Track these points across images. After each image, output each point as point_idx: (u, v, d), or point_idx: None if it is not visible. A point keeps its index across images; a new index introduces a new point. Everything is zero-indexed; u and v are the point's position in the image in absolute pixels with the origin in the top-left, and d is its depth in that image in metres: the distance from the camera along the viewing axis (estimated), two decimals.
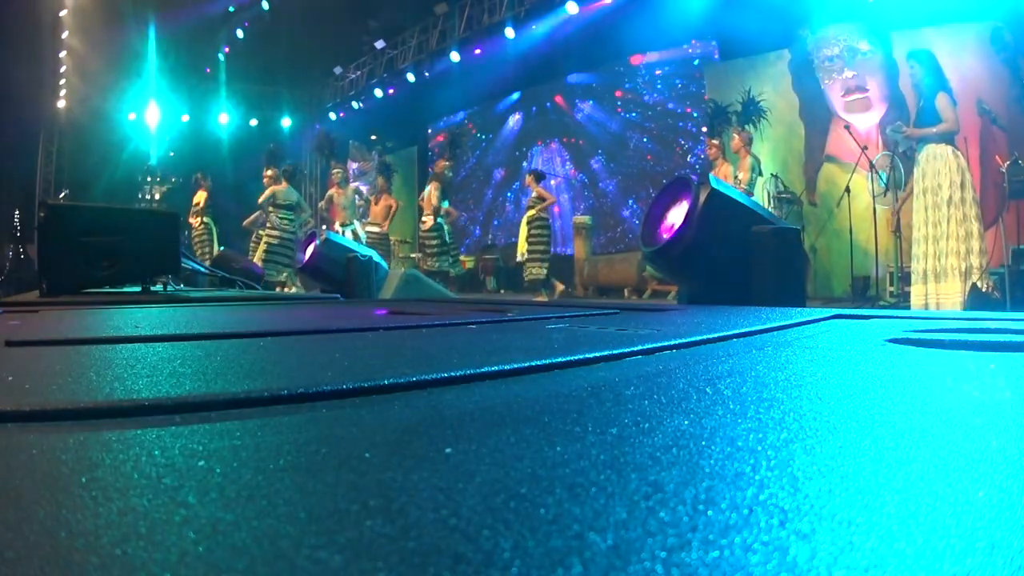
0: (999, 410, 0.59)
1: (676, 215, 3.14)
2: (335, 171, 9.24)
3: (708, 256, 2.97)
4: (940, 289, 4.23)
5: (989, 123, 6.50)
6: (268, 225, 8.52)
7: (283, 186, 8.49)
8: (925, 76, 4.48)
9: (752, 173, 6.36)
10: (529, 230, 8.09)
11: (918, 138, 4.41)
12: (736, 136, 6.56)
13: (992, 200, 6.18)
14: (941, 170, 4.25)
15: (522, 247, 8.24)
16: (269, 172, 9.29)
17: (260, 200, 8.61)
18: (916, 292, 4.42)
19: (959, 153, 4.31)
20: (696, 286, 3.15)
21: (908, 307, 4.76)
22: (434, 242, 8.26)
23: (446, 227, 8.32)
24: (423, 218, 8.35)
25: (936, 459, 0.43)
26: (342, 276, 4.92)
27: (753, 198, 6.43)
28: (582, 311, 2.07)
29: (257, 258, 8.43)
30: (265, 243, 8.44)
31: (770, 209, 6.91)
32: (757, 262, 2.86)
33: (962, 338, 1.10)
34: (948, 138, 4.31)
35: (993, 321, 1.56)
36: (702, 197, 2.94)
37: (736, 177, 6.28)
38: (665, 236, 3.12)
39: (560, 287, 8.37)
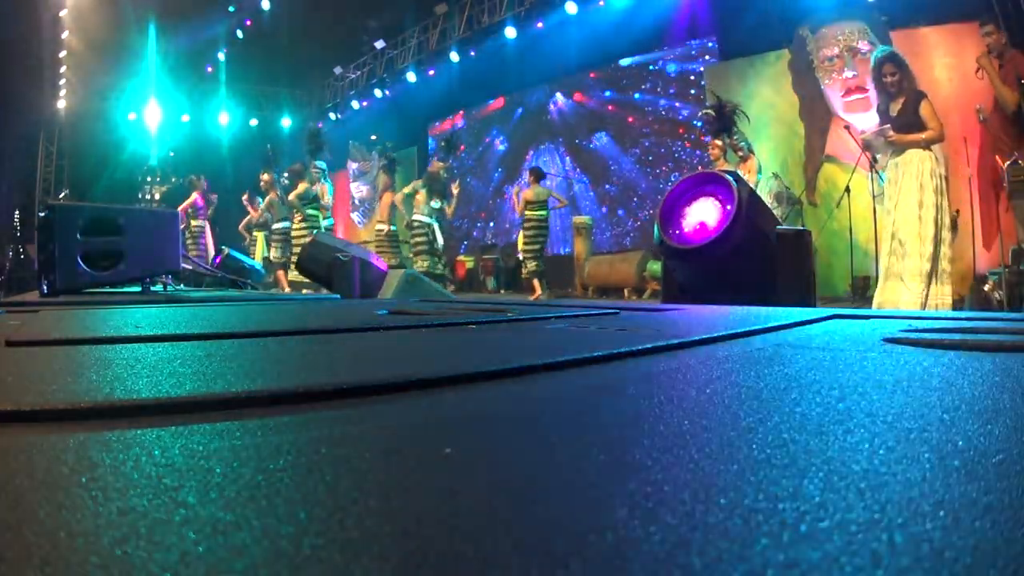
0: (998, 410, 0.59)
1: (705, 213, 3.02)
2: (314, 169, 8.92)
3: (747, 256, 2.90)
4: (908, 292, 4.04)
5: (982, 123, 6.45)
6: (295, 224, 8.54)
7: (305, 184, 8.48)
8: (905, 80, 4.28)
9: (757, 175, 6.37)
10: (527, 230, 8.21)
11: (906, 144, 4.20)
12: (737, 153, 6.58)
13: (991, 200, 6.18)
14: (923, 172, 4.10)
15: (529, 243, 8.32)
16: (266, 176, 9.28)
17: (290, 198, 8.53)
18: (892, 294, 4.17)
19: (938, 157, 4.17)
20: (722, 287, 3.05)
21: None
22: (420, 239, 8.23)
23: (436, 227, 8.31)
24: (415, 217, 8.29)
25: (935, 459, 0.43)
26: (326, 275, 4.93)
27: None
28: (582, 311, 2.07)
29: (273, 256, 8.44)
30: (295, 243, 8.42)
31: (773, 208, 6.93)
32: (784, 262, 2.85)
33: (959, 338, 1.10)
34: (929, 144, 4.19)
35: (991, 321, 1.56)
36: (744, 196, 2.86)
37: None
38: (690, 234, 3.01)
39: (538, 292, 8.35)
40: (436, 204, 8.27)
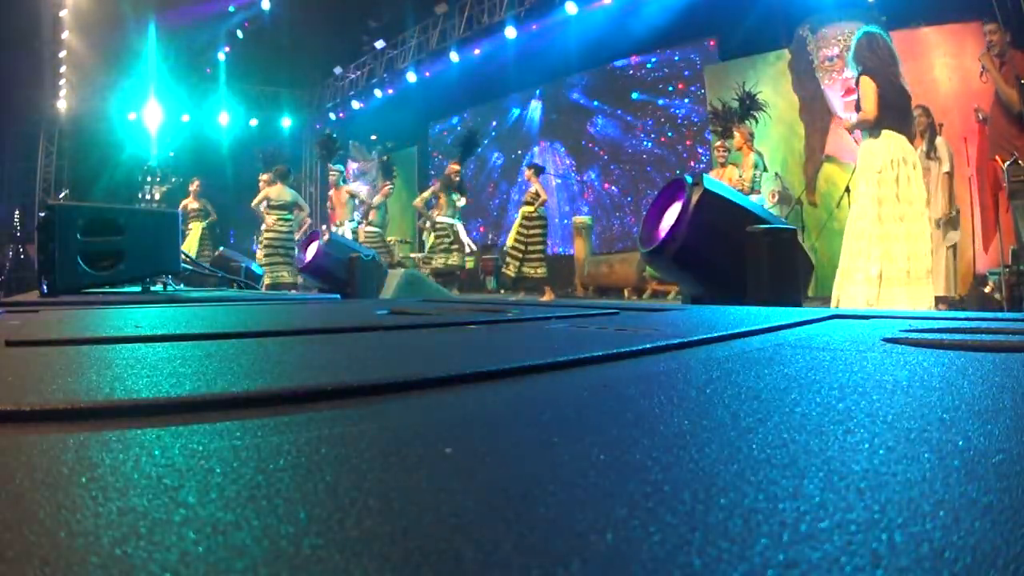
0: (998, 410, 0.59)
1: (672, 216, 3.16)
2: (332, 172, 9.28)
3: (702, 255, 2.98)
4: (884, 294, 3.73)
5: (981, 123, 6.43)
6: (264, 227, 8.55)
7: (276, 187, 8.51)
8: (860, 59, 3.88)
9: (755, 170, 6.35)
10: (530, 228, 8.01)
11: (851, 130, 3.92)
12: (737, 134, 6.54)
13: (991, 200, 6.18)
14: (870, 166, 3.80)
15: (512, 240, 8.08)
16: (265, 176, 9.34)
17: (253, 204, 8.63)
18: (850, 294, 3.87)
19: (906, 146, 3.83)
20: (693, 285, 3.17)
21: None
22: (444, 239, 8.18)
23: (460, 227, 8.27)
24: (437, 219, 8.21)
25: (935, 459, 0.43)
26: (344, 275, 4.91)
27: (760, 196, 6.42)
28: (582, 311, 2.07)
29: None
30: (263, 244, 8.49)
31: (773, 208, 6.91)
32: (751, 261, 2.84)
33: (959, 338, 1.10)
34: (899, 128, 3.79)
35: (991, 321, 1.56)
36: (694, 197, 2.97)
37: (739, 175, 6.28)
38: (660, 236, 3.14)
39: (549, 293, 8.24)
40: (462, 203, 8.22)
